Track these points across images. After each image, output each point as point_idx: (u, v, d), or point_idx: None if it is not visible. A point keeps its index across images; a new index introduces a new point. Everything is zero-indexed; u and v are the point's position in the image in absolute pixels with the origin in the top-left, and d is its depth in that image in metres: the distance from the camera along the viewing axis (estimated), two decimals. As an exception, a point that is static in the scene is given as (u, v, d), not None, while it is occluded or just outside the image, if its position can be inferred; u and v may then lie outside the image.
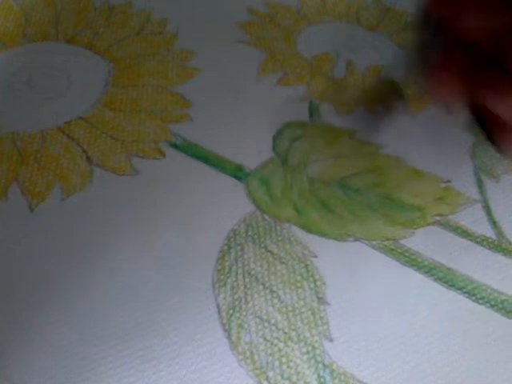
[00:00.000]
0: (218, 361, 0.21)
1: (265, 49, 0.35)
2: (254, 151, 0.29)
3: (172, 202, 0.27)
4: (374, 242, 0.25)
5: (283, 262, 0.24)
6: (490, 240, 0.26)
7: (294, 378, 0.21)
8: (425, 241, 0.25)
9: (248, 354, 0.21)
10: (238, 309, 0.23)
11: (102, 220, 0.26)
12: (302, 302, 0.23)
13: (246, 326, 0.22)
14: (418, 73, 0.26)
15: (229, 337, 0.22)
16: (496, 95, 0.25)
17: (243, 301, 0.23)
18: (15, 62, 0.34)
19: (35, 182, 0.27)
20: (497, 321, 0.23)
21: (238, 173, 0.28)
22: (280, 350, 0.22)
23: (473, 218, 0.26)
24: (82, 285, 0.23)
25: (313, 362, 0.21)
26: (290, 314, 0.23)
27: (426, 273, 0.24)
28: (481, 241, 0.26)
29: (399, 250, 0.25)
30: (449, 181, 0.28)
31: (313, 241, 0.25)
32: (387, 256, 0.25)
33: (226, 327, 0.22)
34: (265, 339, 0.22)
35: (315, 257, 0.25)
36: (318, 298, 0.23)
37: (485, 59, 0.26)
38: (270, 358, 0.21)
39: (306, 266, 0.24)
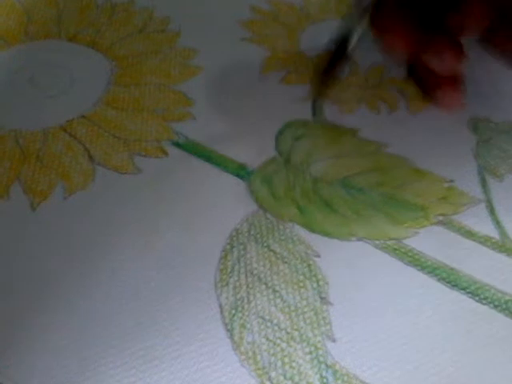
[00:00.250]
0: (220, 361, 0.21)
1: (268, 47, 0.35)
2: (256, 150, 0.29)
3: (174, 201, 0.27)
4: (377, 242, 0.25)
5: (286, 262, 0.24)
6: (493, 240, 0.25)
7: (297, 378, 0.21)
8: (428, 241, 0.25)
9: (250, 353, 0.21)
10: (240, 308, 0.23)
11: (104, 219, 0.26)
12: (304, 302, 0.23)
13: (248, 325, 0.22)
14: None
15: (231, 337, 0.22)
16: (432, 52, 0.28)
17: (246, 300, 0.23)
18: (17, 59, 0.34)
19: (37, 181, 0.27)
20: (500, 321, 0.23)
21: (240, 172, 0.28)
22: (282, 350, 0.21)
23: (476, 218, 0.26)
24: (83, 284, 0.23)
25: (315, 362, 0.21)
26: (293, 313, 0.23)
27: (430, 273, 0.24)
28: (484, 241, 0.25)
29: (402, 250, 0.25)
30: (452, 180, 0.28)
31: (316, 240, 0.25)
32: (390, 256, 0.25)
33: (229, 327, 0.22)
34: (267, 339, 0.22)
35: (318, 256, 0.24)
36: (321, 298, 0.23)
37: (425, 18, 0.28)
38: (273, 358, 0.21)
39: (309, 265, 0.24)
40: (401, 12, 0.28)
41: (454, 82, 0.30)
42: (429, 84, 0.31)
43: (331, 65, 0.30)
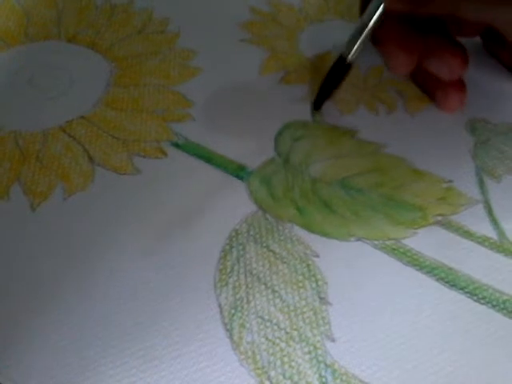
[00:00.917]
0: (219, 360, 0.21)
1: (267, 48, 0.35)
2: (255, 150, 0.29)
3: (173, 202, 0.27)
4: (376, 242, 0.25)
5: (285, 262, 0.24)
6: (491, 240, 0.25)
7: (296, 378, 0.21)
8: (427, 241, 0.25)
9: (250, 353, 0.21)
10: (239, 308, 0.23)
11: (103, 220, 0.26)
12: (303, 302, 0.23)
13: (247, 325, 0.22)
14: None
15: (230, 336, 0.22)
16: (438, 61, 0.29)
17: (245, 300, 0.23)
18: (17, 61, 0.34)
19: (37, 182, 0.27)
20: (498, 321, 0.23)
21: (239, 172, 0.28)
22: (282, 349, 0.22)
23: (474, 219, 0.26)
24: (82, 285, 0.23)
25: (314, 361, 0.21)
26: (292, 313, 0.23)
27: (428, 272, 0.24)
28: (482, 241, 0.25)
29: (401, 250, 0.25)
30: (450, 181, 0.28)
31: (315, 240, 0.25)
32: (389, 256, 0.25)
33: (228, 327, 0.22)
34: (266, 339, 0.22)
35: (317, 256, 0.24)
36: (320, 298, 0.23)
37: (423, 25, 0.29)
38: (272, 358, 0.21)
39: (308, 265, 0.24)
40: (401, 26, 0.29)
41: (458, 83, 0.30)
42: (431, 86, 0.31)
43: (332, 80, 0.30)
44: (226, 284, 0.23)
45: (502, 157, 0.29)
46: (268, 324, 0.22)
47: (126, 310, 0.23)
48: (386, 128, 0.30)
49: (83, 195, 0.27)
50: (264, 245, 0.25)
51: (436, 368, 0.21)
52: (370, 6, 0.28)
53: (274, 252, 0.25)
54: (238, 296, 0.23)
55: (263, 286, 0.23)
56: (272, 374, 0.21)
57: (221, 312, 0.23)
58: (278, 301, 0.23)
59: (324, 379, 0.21)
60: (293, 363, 0.21)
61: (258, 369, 0.21)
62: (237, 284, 0.23)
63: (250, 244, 0.25)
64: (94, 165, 0.28)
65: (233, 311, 0.23)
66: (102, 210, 0.26)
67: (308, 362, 0.21)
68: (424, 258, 0.25)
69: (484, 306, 0.23)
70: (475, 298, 0.23)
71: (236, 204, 0.26)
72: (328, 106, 0.31)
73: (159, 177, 0.28)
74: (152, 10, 0.38)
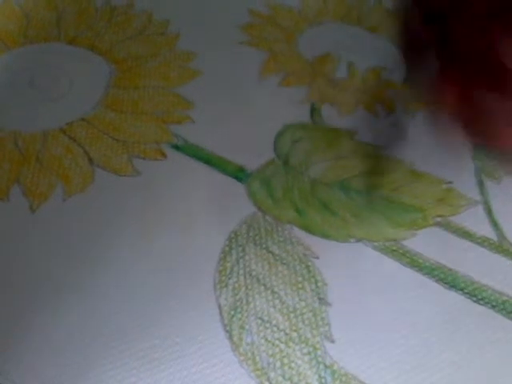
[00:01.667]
0: (219, 361, 0.21)
1: (266, 50, 0.35)
2: (255, 152, 0.29)
3: (173, 203, 0.27)
4: (376, 243, 0.25)
5: (284, 263, 0.24)
6: (491, 241, 0.26)
7: (296, 379, 0.21)
8: (426, 242, 0.25)
9: (249, 354, 0.21)
10: (239, 310, 0.23)
11: (103, 221, 0.26)
12: (303, 303, 0.23)
13: (247, 326, 0.22)
14: (417, 79, 0.27)
15: (230, 338, 0.22)
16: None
17: (244, 301, 0.23)
18: (17, 62, 0.34)
19: (37, 183, 0.27)
20: (498, 321, 0.23)
21: (239, 174, 0.28)
22: (281, 350, 0.22)
23: (474, 220, 0.26)
24: (82, 285, 0.23)
25: (314, 362, 0.21)
26: (292, 314, 0.23)
27: (428, 273, 0.24)
28: (482, 242, 0.26)
29: (401, 251, 0.25)
30: (450, 182, 0.28)
31: (314, 242, 0.25)
32: (389, 257, 0.25)
33: (228, 328, 0.22)
34: (266, 340, 0.22)
35: (316, 258, 0.25)
36: (320, 299, 0.23)
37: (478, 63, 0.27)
38: (272, 359, 0.21)
39: (308, 266, 0.24)
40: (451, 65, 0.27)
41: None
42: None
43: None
44: (226, 285, 0.23)
45: (501, 158, 0.29)
46: (267, 325, 0.22)
47: (125, 310, 0.23)
48: (385, 129, 0.31)
49: (83, 196, 0.27)
50: (263, 246, 0.25)
51: (436, 369, 0.21)
52: None
53: (273, 253, 0.25)
54: (237, 297, 0.23)
55: (263, 287, 0.23)
56: (272, 375, 0.21)
57: (220, 313, 0.23)
58: (277, 302, 0.23)
59: (324, 380, 0.21)
60: (292, 364, 0.21)
61: (258, 370, 0.21)
62: (236, 285, 0.23)
63: (250, 245, 0.25)
64: (93, 166, 0.28)
65: (232, 312, 0.23)
66: (102, 211, 0.26)
67: (308, 363, 0.21)
68: (423, 258, 0.25)
69: (483, 307, 0.23)
70: (475, 298, 0.23)
71: (235, 205, 0.26)
72: (327, 108, 0.31)
73: (159, 178, 0.28)
74: (152, 12, 0.38)
